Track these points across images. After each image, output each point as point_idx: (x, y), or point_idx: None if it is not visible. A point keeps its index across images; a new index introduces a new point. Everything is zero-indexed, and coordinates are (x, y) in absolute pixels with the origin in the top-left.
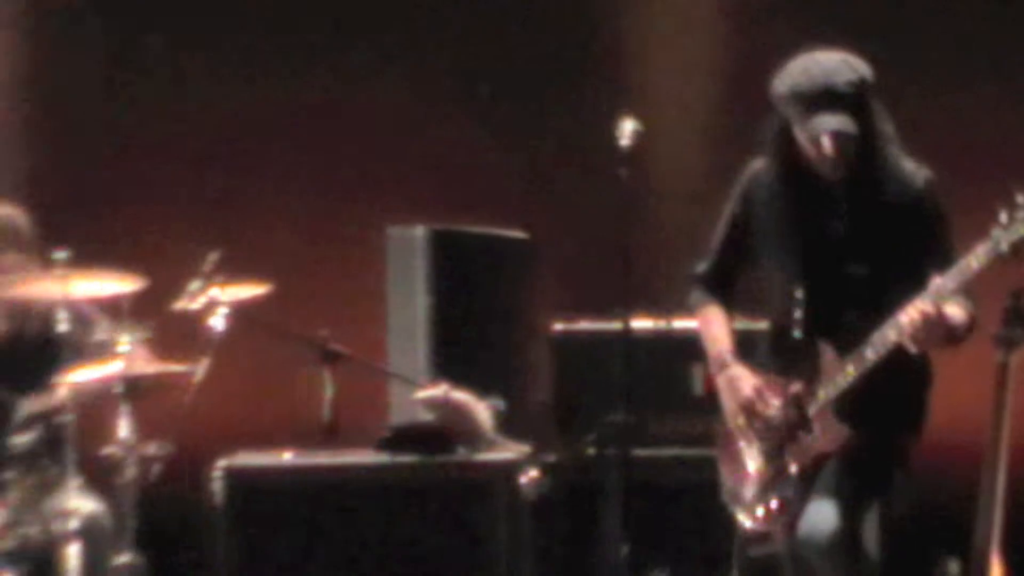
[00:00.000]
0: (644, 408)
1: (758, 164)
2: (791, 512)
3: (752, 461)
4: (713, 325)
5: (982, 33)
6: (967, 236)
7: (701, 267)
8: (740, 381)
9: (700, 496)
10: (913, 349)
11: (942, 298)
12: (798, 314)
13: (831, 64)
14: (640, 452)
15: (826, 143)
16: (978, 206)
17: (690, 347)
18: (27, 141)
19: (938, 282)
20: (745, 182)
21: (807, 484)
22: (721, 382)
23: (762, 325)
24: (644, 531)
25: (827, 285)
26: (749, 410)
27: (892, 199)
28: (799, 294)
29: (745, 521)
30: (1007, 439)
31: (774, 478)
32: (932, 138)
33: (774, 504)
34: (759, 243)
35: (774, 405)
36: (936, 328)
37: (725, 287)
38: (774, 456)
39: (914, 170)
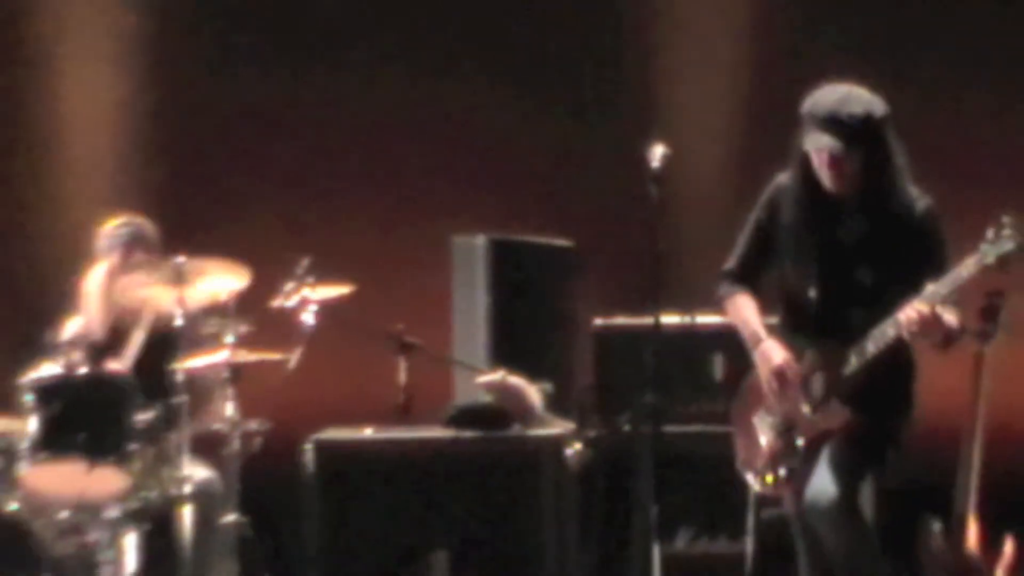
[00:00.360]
0: (672, 391)
1: (783, 176)
2: (797, 481)
3: (764, 436)
4: (743, 309)
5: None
6: (973, 237)
7: (729, 264)
8: (773, 351)
9: (720, 466)
10: (911, 341)
11: (936, 302)
12: (811, 310)
13: (841, 95)
14: (668, 429)
15: (814, 158)
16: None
17: (711, 339)
18: (150, 161)
19: (932, 287)
20: (771, 191)
21: (812, 457)
22: (757, 355)
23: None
24: (672, 496)
25: (836, 287)
26: (781, 376)
27: (896, 218)
28: (812, 293)
29: (756, 487)
30: (983, 418)
31: (783, 451)
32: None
33: (782, 472)
34: (780, 246)
35: (798, 376)
36: (930, 325)
37: (750, 281)
38: (783, 432)
39: (917, 196)
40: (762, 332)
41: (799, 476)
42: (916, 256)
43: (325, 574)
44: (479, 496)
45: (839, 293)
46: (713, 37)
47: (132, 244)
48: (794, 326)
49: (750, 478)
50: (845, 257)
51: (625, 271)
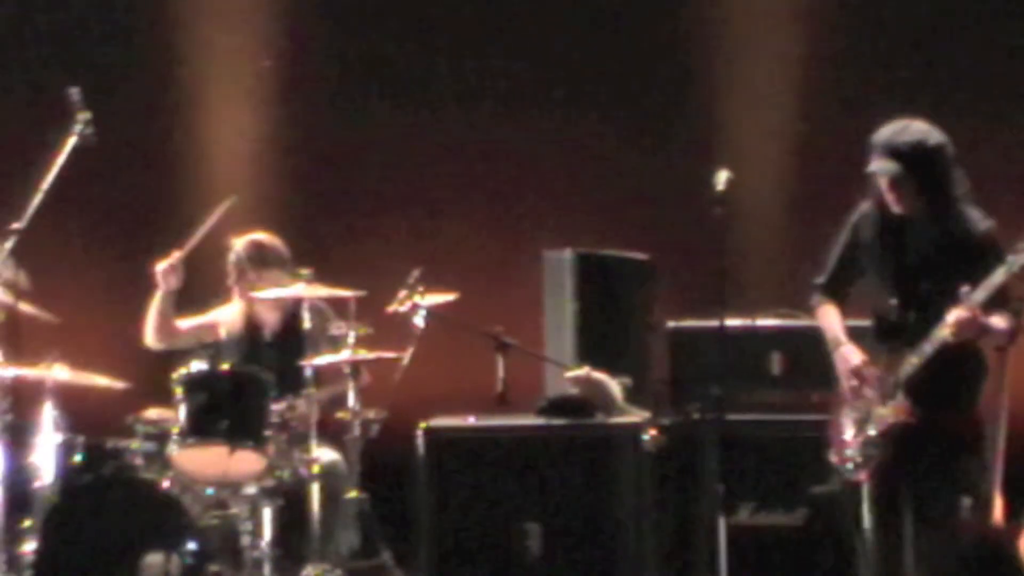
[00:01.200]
0: (734, 384)
1: (864, 203)
2: (872, 465)
3: (848, 429)
4: (829, 317)
5: None
6: None
7: (819, 279)
8: (851, 354)
9: (777, 449)
10: (957, 340)
11: (975, 306)
12: (891, 318)
13: (899, 126)
14: (732, 417)
15: (879, 183)
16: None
17: (769, 338)
18: (283, 187)
19: (966, 290)
20: (856, 216)
21: (885, 444)
22: (836, 357)
23: (864, 323)
24: (735, 476)
25: (908, 298)
26: (857, 375)
27: (958, 237)
28: (892, 303)
29: (842, 471)
30: (1006, 407)
31: (862, 441)
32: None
33: (861, 460)
34: (863, 263)
35: (874, 375)
36: (969, 327)
37: (836, 293)
38: (861, 424)
39: (979, 218)
40: (842, 337)
41: (872, 461)
42: (975, 271)
43: (434, 544)
44: (567, 476)
45: (911, 303)
46: (771, 75)
47: (260, 259)
48: (878, 331)
49: (836, 464)
50: (913, 272)
51: (694, 280)
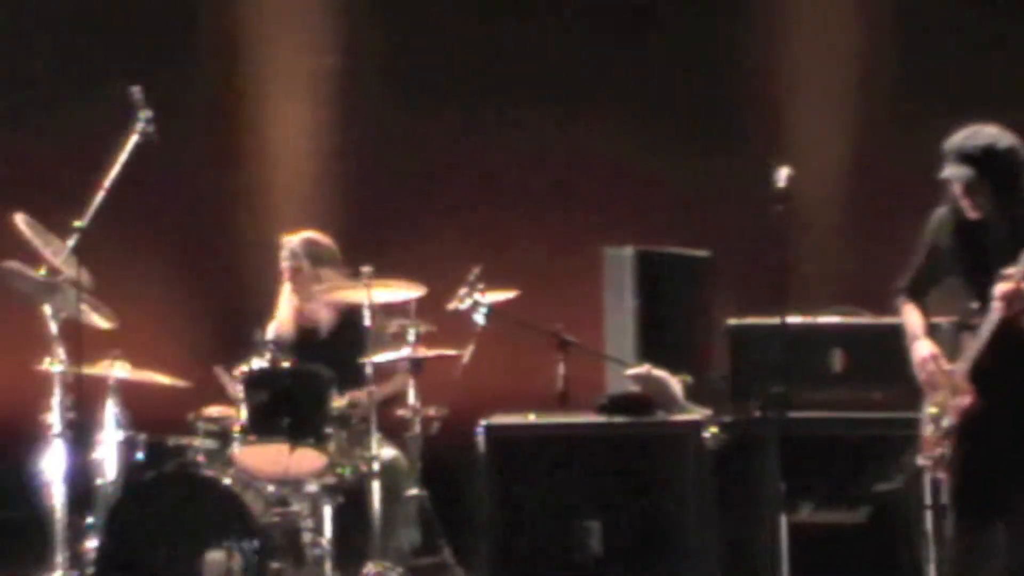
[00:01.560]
0: (796, 381)
1: (941, 208)
2: (947, 459)
3: (927, 424)
4: (910, 315)
5: None
6: None
7: (902, 281)
8: (922, 348)
9: (839, 447)
10: (1007, 315)
11: (1018, 279)
12: (973, 316)
13: (969, 131)
14: (793, 414)
15: (953, 188)
16: None
17: (830, 336)
18: (344, 184)
19: (1008, 268)
20: (934, 220)
21: (960, 440)
22: (913, 351)
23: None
24: (795, 474)
25: (987, 298)
26: (927, 366)
27: None
28: (974, 304)
29: (926, 470)
30: None
31: (939, 436)
32: None
33: (938, 455)
34: (944, 267)
35: (943, 366)
36: (1017, 296)
37: (917, 294)
38: (937, 418)
39: None
40: (919, 333)
41: (947, 456)
42: None
43: (494, 541)
44: (627, 473)
45: (989, 302)
46: (835, 72)
47: (316, 257)
48: (961, 332)
49: (920, 461)
50: (992, 273)
51: (755, 277)
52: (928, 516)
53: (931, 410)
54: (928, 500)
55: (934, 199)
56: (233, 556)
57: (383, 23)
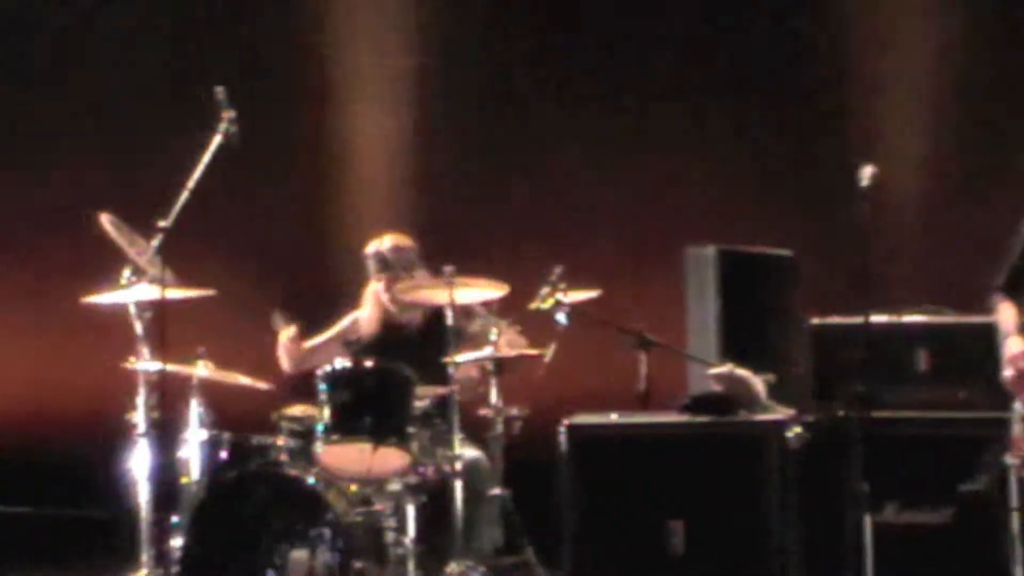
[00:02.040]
0: (880, 381)
1: None
2: None
3: (1016, 424)
4: (1003, 313)
5: None
6: None
7: (997, 280)
8: (1015, 345)
9: (923, 446)
10: None
11: None
12: None
13: None
14: (877, 414)
15: None
16: None
17: (915, 335)
18: (426, 184)
19: None
20: None
21: None
22: (1004, 348)
23: None
24: (879, 474)
25: None
26: (1018, 363)
27: None
28: None
29: (1014, 465)
30: None
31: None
32: None
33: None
34: None
35: None
36: None
37: (1012, 293)
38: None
39: None
40: (1012, 330)
41: None
42: None
43: (576, 541)
44: (711, 473)
45: None
46: (919, 74)
47: (406, 261)
48: None
49: (1008, 459)
50: None
51: (838, 276)
52: (1015, 517)
53: (1020, 408)
54: (1015, 500)
55: (1021, 199)
56: (316, 556)
57: (463, 22)
